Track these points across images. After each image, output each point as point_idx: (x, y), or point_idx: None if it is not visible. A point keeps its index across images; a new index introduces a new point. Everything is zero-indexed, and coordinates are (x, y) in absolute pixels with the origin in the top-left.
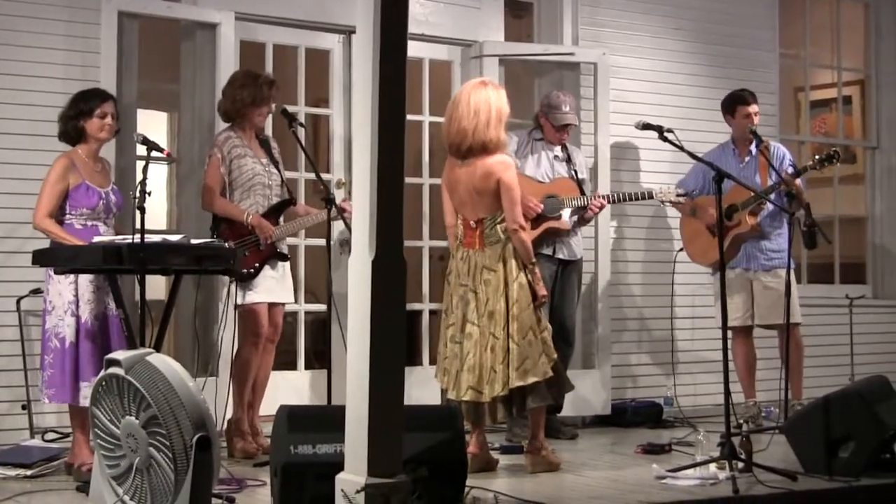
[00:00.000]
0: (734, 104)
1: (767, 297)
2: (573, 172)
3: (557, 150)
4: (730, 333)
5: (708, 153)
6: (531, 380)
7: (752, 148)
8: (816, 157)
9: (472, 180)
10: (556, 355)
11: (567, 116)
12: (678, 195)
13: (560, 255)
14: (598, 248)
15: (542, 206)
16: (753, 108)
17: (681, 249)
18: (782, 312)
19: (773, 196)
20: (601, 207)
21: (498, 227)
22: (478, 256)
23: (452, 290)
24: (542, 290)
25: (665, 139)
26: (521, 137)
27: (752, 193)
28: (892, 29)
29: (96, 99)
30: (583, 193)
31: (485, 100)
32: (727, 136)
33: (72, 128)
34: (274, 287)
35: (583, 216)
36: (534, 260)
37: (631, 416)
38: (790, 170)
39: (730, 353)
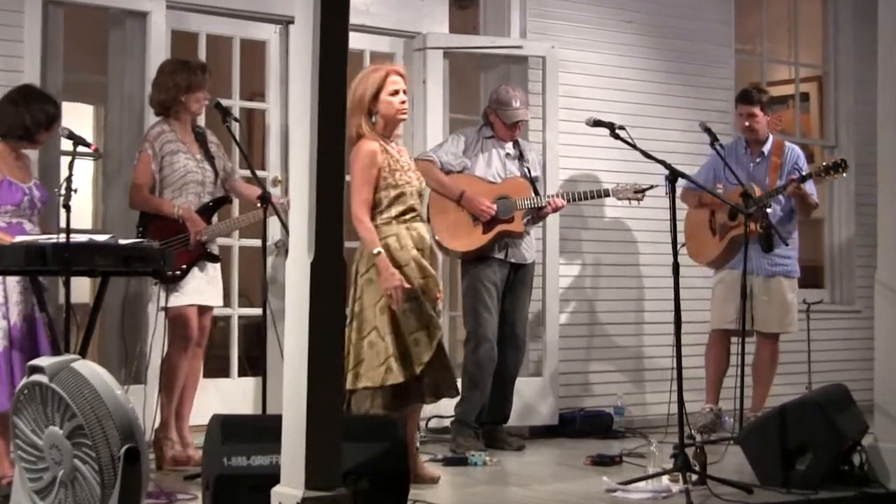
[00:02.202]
0: (736, 101)
1: (768, 304)
2: (526, 171)
3: (509, 147)
4: (687, 337)
5: (727, 146)
6: (361, 385)
7: (766, 147)
8: (823, 164)
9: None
10: (418, 364)
11: (518, 113)
12: (636, 191)
13: (512, 259)
14: (545, 249)
15: (494, 208)
16: (746, 109)
17: (682, 245)
18: (782, 320)
19: (780, 199)
20: (558, 208)
21: None
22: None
23: None
24: (387, 282)
25: (616, 136)
26: (470, 136)
27: (761, 192)
28: (851, 24)
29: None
30: (536, 193)
31: (350, 90)
32: (681, 132)
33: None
34: (203, 289)
35: (538, 215)
36: (376, 250)
37: (580, 425)
38: (797, 174)
39: (689, 360)
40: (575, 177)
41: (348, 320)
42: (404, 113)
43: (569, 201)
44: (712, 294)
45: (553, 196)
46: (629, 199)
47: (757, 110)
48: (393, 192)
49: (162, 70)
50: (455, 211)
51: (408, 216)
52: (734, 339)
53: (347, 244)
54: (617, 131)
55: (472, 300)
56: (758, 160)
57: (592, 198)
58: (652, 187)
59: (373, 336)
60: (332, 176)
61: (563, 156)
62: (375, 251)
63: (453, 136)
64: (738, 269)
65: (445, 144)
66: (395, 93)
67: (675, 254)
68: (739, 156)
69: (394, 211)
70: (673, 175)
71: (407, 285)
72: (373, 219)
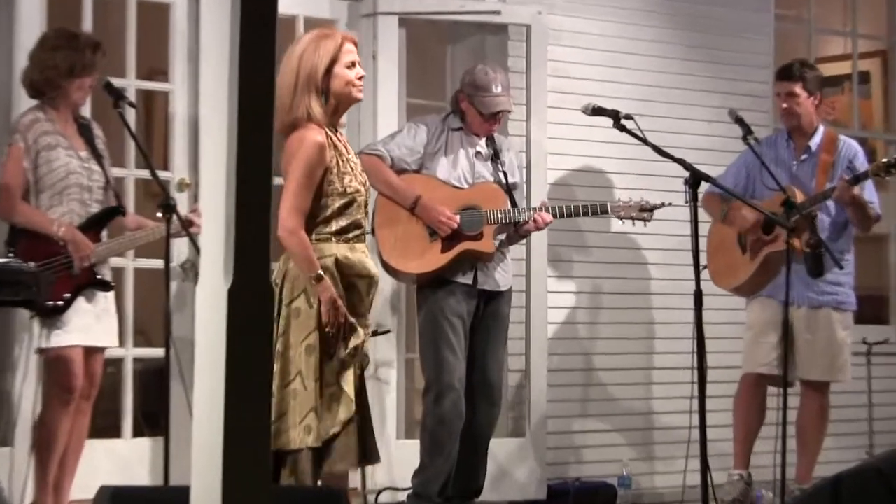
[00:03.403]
0: (774, 78)
1: (812, 344)
2: (500, 175)
3: (481, 144)
4: (710, 387)
5: (764, 141)
6: (280, 445)
7: (815, 141)
8: (884, 161)
9: (281, 167)
10: (345, 418)
11: (499, 100)
12: (642, 209)
13: (484, 286)
14: (530, 273)
15: (457, 219)
16: (784, 88)
17: (704, 267)
18: (831, 365)
19: (829, 207)
20: (543, 226)
21: None
22: (277, 265)
23: None
24: (327, 314)
25: (622, 128)
26: (433, 126)
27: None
28: None
29: None
30: (514, 204)
31: (287, 60)
32: (706, 123)
33: None
34: (91, 325)
35: (516, 233)
36: (317, 272)
37: (574, 500)
38: (849, 174)
39: (712, 416)
40: (567, 181)
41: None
42: (361, 91)
43: (556, 216)
44: (746, 328)
45: (536, 210)
46: (633, 218)
47: (798, 88)
48: (339, 202)
49: (43, 43)
50: (407, 222)
51: (352, 233)
52: (772, 388)
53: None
54: (623, 121)
55: (431, 337)
56: (803, 158)
57: (586, 214)
58: (663, 205)
59: (297, 384)
60: (256, 178)
61: (553, 153)
62: (314, 274)
63: (411, 126)
64: (776, 298)
65: (399, 135)
66: (352, 65)
67: (698, 278)
68: (780, 152)
69: (335, 225)
70: (695, 178)
71: (352, 320)
72: (307, 232)
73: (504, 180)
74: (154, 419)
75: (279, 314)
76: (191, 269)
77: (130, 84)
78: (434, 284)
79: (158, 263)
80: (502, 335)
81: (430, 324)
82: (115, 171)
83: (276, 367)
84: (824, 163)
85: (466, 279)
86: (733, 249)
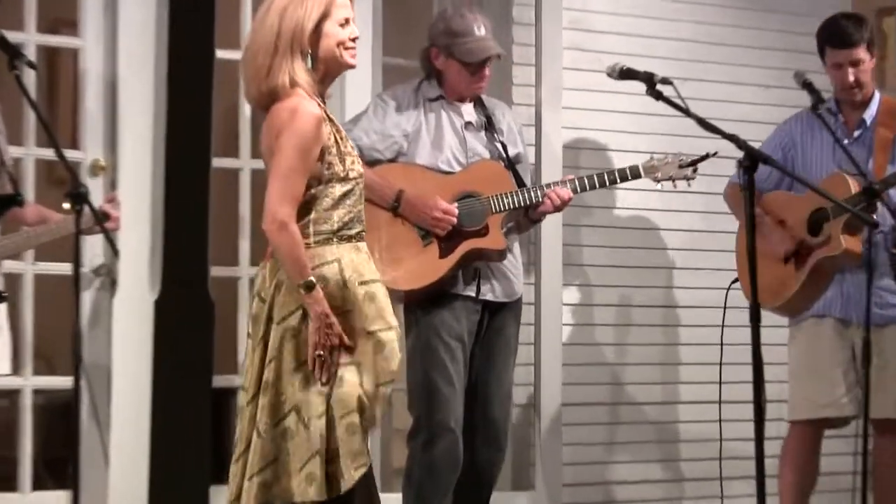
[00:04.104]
0: (822, 43)
1: (882, 372)
2: (498, 146)
3: (469, 111)
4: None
5: (791, 119)
6: (272, 497)
7: (869, 112)
8: None
9: (262, 143)
10: (360, 468)
11: (487, 45)
12: (682, 165)
13: (489, 295)
14: (540, 279)
15: (455, 211)
16: (847, 56)
17: (734, 280)
18: None
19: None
20: (562, 204)
21: None
22: (259, 275)
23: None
24: (318, 335)
25: (658, 96)
26: (403, 99)
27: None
28: None
29: None
30: (521, 183)
31: (264, 14)
32: (762, 89)
33: None
34: None
35: (526, 217)
36: (308, 280)
37: None
38: None
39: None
40: (586, 163)
41: (250, 394)
42: (355, 55)
43: (576, 190)
44: (793, 362)
45: (552, 186)
46: (672, 179)
47: (863, 53)
48: (340, 189)
49: None
50: (390, 225)
51: (355, 230)
52: (829, 431)
53: (221, 272)
54: (658, 87)
55: (423, 366)
56: (856, 133)
57: (613, 183)
58: (708, 156)
59: (290, 421)
60: (192, 162)
61: (569, 126)
62: (305, 281)
63: (377, 104)
64: (831, 315)
65: (364, 118)
66: (346, 22)
67: (755, 288)
68: (821, 131)
69: (336, 221)
70: (751, 159)
71: (348, 342)
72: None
73: (504, 153)
74: (60, 467)
75: (266, 334)
76: (107, 276)
77: (30, 39)
78: (426, 298)
79: (66, 268)
80: (510, 359)
81: (422, 348)
82: (12, 151)
83: (265, 401)
84: (884, 139)
85: (468, 290)
86: (771, 257)
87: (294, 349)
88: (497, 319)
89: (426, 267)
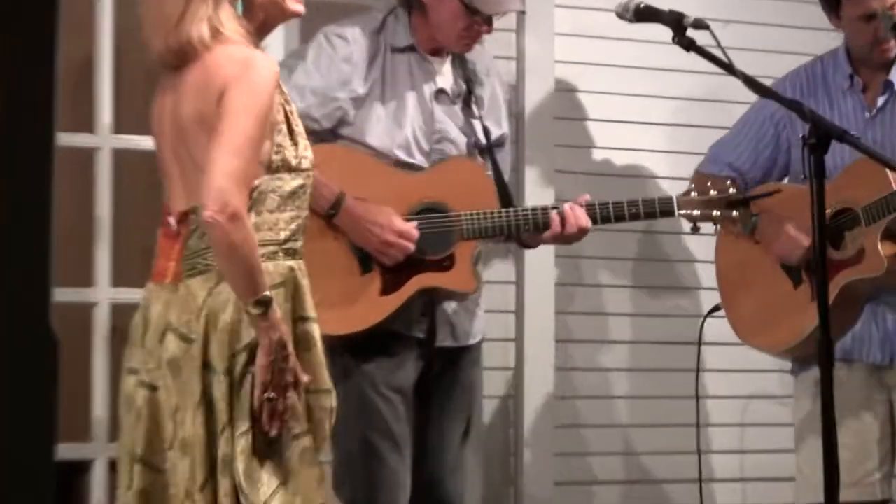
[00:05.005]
0: None
1: None
2: (478, 128)
3: (445, 72)
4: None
5: (793, 77)
6: None
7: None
8: None
9: (178, 110)
10: None
11: None
12: (731, 203)
13: (444, 341)
14: (524, 312)
15: (415, 233)
16: (883, 1)
17: (712, 311)
18: None
19: None
20: (577, 231)
21: None
22: (164, 301)
23: (123, 386)
24: (270, 372)
25: (688, 45)
26: (359, 46)
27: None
28: None
29: None
30: (505, 196)
31: None
32: (825, 32)
33: None
34: None
35: (515, 241)
36: (264, 295)
37: None
38: None
39: None
40: (584, 139)
41: (199, 480)
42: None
43: (595, 218)
44: (800, 424)
45: (565, 207)
46: (714, 220)
47: None
48: (289, 183)
49: None
50: (319, 237)
51: (300, 243)
52: None
53: (69, 295)
54: (689, 33)
55: (357, 428)
56: (880, 102)
57: (635, 217)
58: (770, 194)
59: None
60: (28, 138)
61: (564, 87)
62: (260, 297)
63: (318, 47)
64: (863, 359)
65: (299, 69)
66: None
67: (825, 316)
68: (836, 93)
69: (283, 228)
70: (820, 133)
71: (306, 378)
72: None
73: (485, 139)
74: None
75: (207, 389)
76: None
77: None
78: (360, 340)
79: None
80: (466, 411)
81: (354, 405)
82: None
83: (228, 486)
84: None
85: (416, 331)
86: (771, 278)
87: (245, 403)
88: (452, 369)
89: (363, 306)
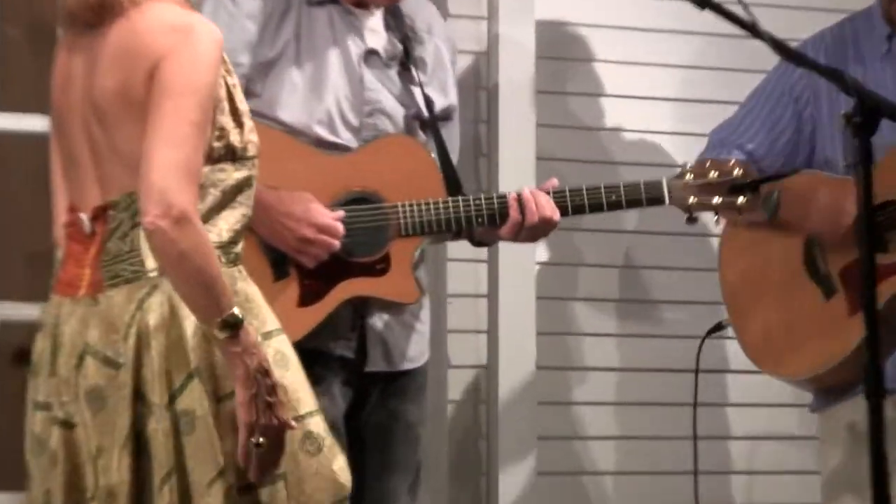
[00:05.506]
0: None
1: None
2: (419, 96)
3: (375, 27)
4: None
5: (816, 41)
6: None
7: None
8: None
9: (94, 80)
10: None
11: None
12: (735, 188)
13: (379, 365)
14: (497, 326)
15: (340, 230)
16: None
17: (713, 331)
18: None
19: None
20: (542, 225)
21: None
22: (79, 318)
23: (28, 423)
24: (249, 404)
25: (705, 1)
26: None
27: None
28: None
29: None
30: (453, 181)
31: None
32: None
33: None
34: None
35: (468, 238)
36: (232, 313)
37: None
38: None
39: None
40: (566, 118)
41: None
42: None
43: (565, 209)
44: (822, 466)
45: (527, 189)
46: (714, 209)
47: None
48: (233, 175)
49: None
50: None
51: (240, 247)
52: None
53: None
54: None
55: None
56: None
57: (615, 206)
58: (783, 176)
59: None
60: None
61: (549, 56)
62: (227, 316)
63: (216, 2)
64: None
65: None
66: None
67: (873, 336)
68: (870, 60)
69: (226, 228)
70: (867, 109)
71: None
72: None
73: (428, 109)
74: None
75: (138, 425)
76: None
77: None
78: None
79: None
80: (409, 449)
81: None
82: None
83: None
84: None
85: (343, 348)
86: (794, 286)
87: (199, 450)
88: (390, 397)
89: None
